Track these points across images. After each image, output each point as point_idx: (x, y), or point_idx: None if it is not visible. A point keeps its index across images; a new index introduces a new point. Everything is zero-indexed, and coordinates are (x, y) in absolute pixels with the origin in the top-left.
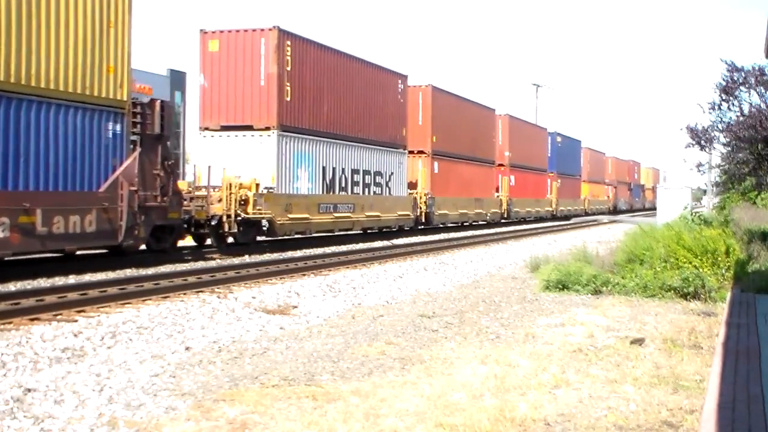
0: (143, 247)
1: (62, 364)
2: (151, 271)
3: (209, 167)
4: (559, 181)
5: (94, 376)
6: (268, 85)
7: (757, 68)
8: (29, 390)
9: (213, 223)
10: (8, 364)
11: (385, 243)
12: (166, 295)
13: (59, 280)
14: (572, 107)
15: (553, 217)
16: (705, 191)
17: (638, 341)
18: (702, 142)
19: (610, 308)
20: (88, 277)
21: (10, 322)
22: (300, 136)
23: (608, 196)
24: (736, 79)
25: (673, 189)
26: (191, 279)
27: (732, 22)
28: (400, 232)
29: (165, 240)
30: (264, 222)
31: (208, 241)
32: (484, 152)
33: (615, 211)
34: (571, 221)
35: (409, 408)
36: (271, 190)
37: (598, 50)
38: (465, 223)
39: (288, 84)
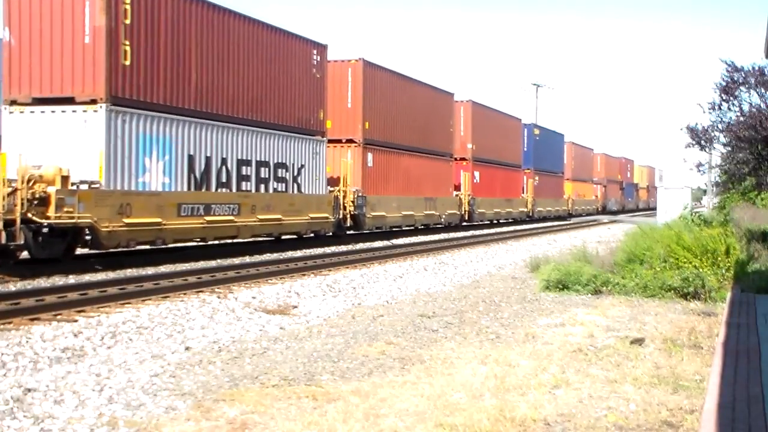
0: None
1: (62, 364)
2: (151, 271)
3: None
4: (536, 178)
5: (94, 376)
6: (95, 42)
7: (756, 68)
8: (29, 390)
9: None
10: (8, 364)
11: (386, 243)
12: (166, 295)
13: (59, 280)
14: (570, 107)
15: (530, 219)
16: (705, 191)
17: (638, 341)
18: (702, 142)
19: (610, 308)
20: (88, 277)
21: (10, 322)
22: (148, 113)
23: (596, 196)
24: (736, 79)
25: (673, 189)
26: (191, 279)
27: (732, 23)
28: (317, 240)
29: None
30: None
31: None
32: (439, 144)
33: (604, 211)
34: (571, 221)
35: (409, 408)
36: (94, 186)
37: (596, 50)
38: (410, 227)
39: (126, 42)
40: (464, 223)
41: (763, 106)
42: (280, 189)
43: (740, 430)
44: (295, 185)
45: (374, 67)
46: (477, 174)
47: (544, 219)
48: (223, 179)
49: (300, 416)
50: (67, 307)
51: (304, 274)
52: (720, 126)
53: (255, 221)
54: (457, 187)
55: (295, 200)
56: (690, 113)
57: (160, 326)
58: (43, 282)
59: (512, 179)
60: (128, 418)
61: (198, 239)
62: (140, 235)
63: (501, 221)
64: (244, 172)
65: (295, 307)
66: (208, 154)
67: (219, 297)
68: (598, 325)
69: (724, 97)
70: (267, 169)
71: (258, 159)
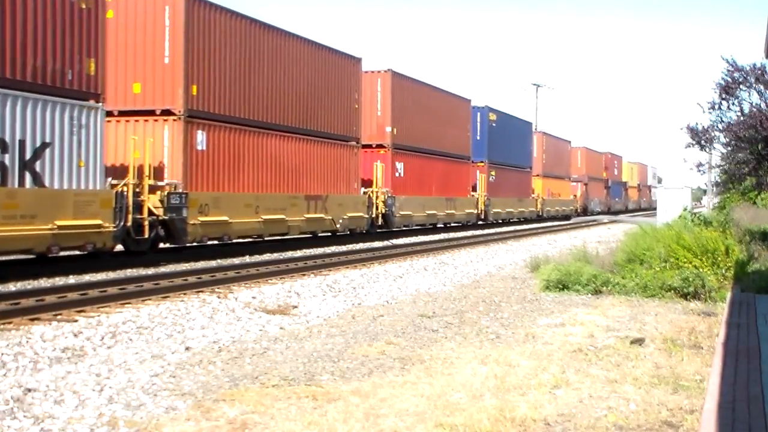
0: None
1: (62, 364)
2: (151, 271)
3: None
4: (492, 173)
5: (94, 376)
6: None
7: (758, 66)
8: (29, 390)
9: None
10: (8, 364)
11: (386, 243)
12: (166, 295)
13: (59, 280)
14: (570, 107)
15: (483, 223)
16: (705, 191)
17: (638, 341)
18: (702, 141)
19: (610, 308)
20: (88, 277)
21: (10, 322)
22: None
23: (575, 195)
24: (736, 78)
25: (673, 189)
26: (191, 279)
27: (732, 22)
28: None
29: None
30: None
31: None
32: (335, 124)
33: (585, 213)
34: (571, 221)
35: (409, 408)
36: None
37: (596, 50)
38: (279, 236)
39: None
40: (378, 230)
41: (763, 105)
42: None
43: (740, 430)
44: (27, 175)
45: (209, 7)
46: (400, 166)
47: (504, 222)
48: None
49: (300, 416)
50: (67, 307)
51: (304, 274)
52: (720, 126)
53: None
54: (368, 183)
55: (20, 199)
56: (689, 112)
57: (160, 326)
58: (43, 282)
59: (457, 173)
60: (128, 418)
61: None
62: None
63: (440, 225)
64: None
65: (295, 307)
66: None
67: (219, 297)
68: (598, 325)
69: (724, 96)
70: None
71: None
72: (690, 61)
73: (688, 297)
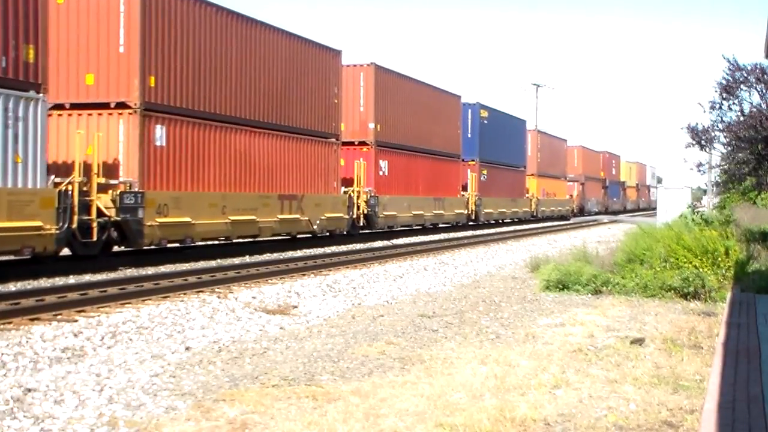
0: None
1: (62, 364)
2: (151, 271)
3: None
4: (484, 172)
5: (94, 376)
6: None
7: (758, 66)
8: (29, 390)
9: None
10: (8, 364)
11: (386, 243)
12: (166, 295)
13: (59, 280)
14: (570, 107)
15: (474, 224)
16: (705, 191)
17: (638, 341)
18: (702, 141)
19: (610, 308)
20: (88, 277)
21: (10, 322)
22: None
23: (571, 195)
24: (737, 77)
25: (673, 189)
26: (191, 279)
27: (732, 22)
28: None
29: None
30: None
31: None
32: (313, 120)
33: (582, 213)
34: (571, 221)
35: (409, 408)
36: None
37: (595, 49)
38: (249, 239)
39: None
40: (361, 232)
41: (763, 105)
42: None
43: (740, 430)
44: None
45: None
46: (384, 164)
47: (498, 223)
48: None
49: (300, 416)
50: (67, 307)
51: (304, 274)
52: (720, 126)
53: None
54: (350, 182)
55: None
56: (689, 112)
57: (160, 326)
58: (43, 282)
59: (446, 172)
60: (128, 418)
61: None
62: None
63: (422, 227)
64: None
65: (295, 307)
66: None
67: (219, 297)
68: (598, 325)
69: (725, 96)
70: None
71: None
72: (690, 61)
73: (688, 297)
